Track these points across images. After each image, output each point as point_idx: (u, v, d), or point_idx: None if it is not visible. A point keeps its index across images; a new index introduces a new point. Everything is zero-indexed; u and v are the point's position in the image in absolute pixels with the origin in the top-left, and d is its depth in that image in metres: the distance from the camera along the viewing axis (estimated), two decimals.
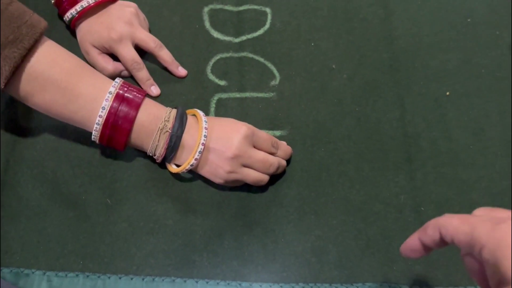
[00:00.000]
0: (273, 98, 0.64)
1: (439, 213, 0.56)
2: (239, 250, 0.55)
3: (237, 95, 0.64)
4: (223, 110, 0.63)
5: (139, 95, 0.54)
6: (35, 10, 0.66)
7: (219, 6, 0.71)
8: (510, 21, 0.71)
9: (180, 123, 0.54)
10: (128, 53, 0.62)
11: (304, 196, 0.58)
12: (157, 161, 0.56)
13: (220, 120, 0.57)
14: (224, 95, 0.64)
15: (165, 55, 0.65)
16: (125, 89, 0.54)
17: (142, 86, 0.64)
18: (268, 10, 0.71)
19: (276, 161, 0.56)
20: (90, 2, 0.62)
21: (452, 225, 0.34)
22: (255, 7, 0.71)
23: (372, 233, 0.56)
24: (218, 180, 0.55)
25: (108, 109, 0.52)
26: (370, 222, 0.57)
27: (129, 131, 0.53)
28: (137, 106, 0.53)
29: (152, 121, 0.54)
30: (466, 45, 0.69)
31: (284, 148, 0.59)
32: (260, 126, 0.61)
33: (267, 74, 0.66)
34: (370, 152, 0.61)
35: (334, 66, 0.67)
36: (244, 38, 0.69)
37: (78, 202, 0.57)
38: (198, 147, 0.53)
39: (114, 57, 0.65)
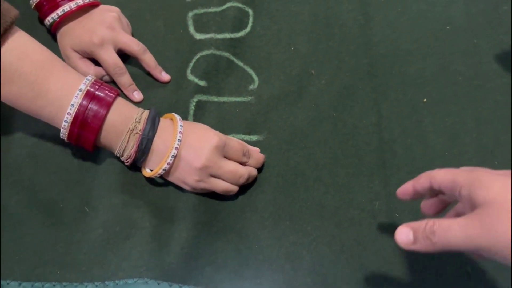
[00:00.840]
0: (251, 101, 0.64)
1: (414, 219, 0.57)
2: (213, 255, 0.55)
3: (215, 99, 0.64)
4: (201, 114, 0.63)
5: (111, 94, 0.53)
6: None
7: (203, 10, 0.71)
8: (488, 29, 0.72)
9: (152, 125, 0.53)
10: (110, 58, 0.62)
11: (279, 202, 0.58)
12: (126, 163, 0.55)
13: (193, 127, 0.56)
14: (203, 97, 0.64)
15: (148, 59, 0.64)
16: (97, 87, 0.53)
17: (124, 91, 0.64)
18: (250, 11, 0.71)
19: (246, 172, 0.56)
20: (72, 7, 0.61)
21: (440, 174, 0.43)
22: (239, 5, 0.71)
23: (346, 239, 0.56)
24: (186, 187, 0.55)
25: (77, 106, 0.51)
26: (344, 228, 0.57)
27: (98, 130, 0.52)
28: (107, 105, 0.52)
29: (122, 121, 0.53)
30: (444, 53, 0.70)
31: (256, 156, 0.58)
32: (237, 131, 0.62)
33: (246, 79, 0.66)
34: (346, 158, 0.61)
35: (313, 72, 0.67)
36: (227, 36, 0.69)
37: (55, 210, 0.57)
38: (171, 151, 0.52)
39: (96, 63, 0.64)
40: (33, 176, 0.59)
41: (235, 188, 0.56)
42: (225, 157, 0.55)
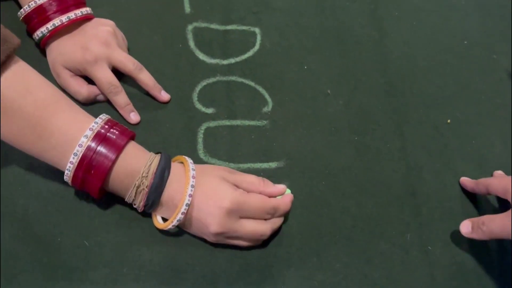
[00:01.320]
0: (266, 126, 0.60)
1: (448, 251, 0.54)
2: None
3: (227, 122, 0.60)
4: (213, 140, 0.58)
5: (122, 137, 0.48)
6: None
7: (204, 25, 0.66)
8: (506, 44, 0.69)
9: (160, 180, 0.48)
10: (104, 76, 0.57)
11: (305, 236, 0.53)
12: (138, 210, 0.51)
13: (205, 178, 0.50)
14: (212, 124, 0.59)
15: (145, 78, 0.59)
16: (107, 127, 0.48)
17: (121, 112, 0.59)
18: (257, 30, 0.67)
19: (268, 230, 0.51)
20: (64, 21, 0.56)
21: (495, 183, 0.54)
22: (243, 27, 0.67)
23: (378, 277, 0.52)
24: None
25: (84, 151, 0.46)
26: (375, 265, 0.53)
27: (105, 175, 0.47)
28: (118, 149, 0.47)
29: (128, 175, 0.48)
30: (463, 70, 0.67)
31: (284, 208, 0.52)
32: (254, 159, 0.57)
33: (259, 99, 0.62)
34: (372, 186, 0.57)
35: (329, 91, 0.63)
36: (232, 61, 0.64)
37: (53, 244, 0.51)
38: (182, 206, 0.48)
39: (89, 80, 0.59)
40: (27, 206, 0.53)
41: (258, 243, 0.52)
42: (243, 216, 0.50)
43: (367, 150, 0.59)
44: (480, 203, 0.58)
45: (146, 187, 0.48)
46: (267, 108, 0.61)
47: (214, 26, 0.67)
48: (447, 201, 0.57)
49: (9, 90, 0.45)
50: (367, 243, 0.54)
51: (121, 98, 0.58)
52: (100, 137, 0.47)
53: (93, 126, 0.47)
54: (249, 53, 0.65)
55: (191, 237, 0.52)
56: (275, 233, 0.53)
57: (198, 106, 0.60)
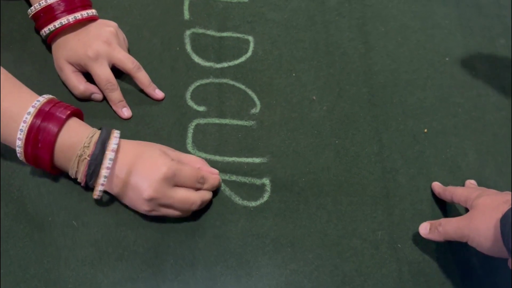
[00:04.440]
0: (253, 126, 0.63)
1: (416, 250, 0.57)
2: (212, 281, 0.53)
3: (217, 120, 0.63)
4: (202, 136, 0.61)
5: (64, 111, 0.52)
6: (11, 22, 0.63)
7: (201, 31, 0.70)
8: (485, 63, 0.73)
9: (101, 149, 0.51)
10: (103, 73, 0.60)
11: (281, 227, 0.56)
12: (81, 185, 0.54)
13: (147, 148, 0.55)
14: (202, 121, 0.63)
15: (142, 77, 0.63)
16: (50, 105, 0.51)
17: (114, 107, 0.62)
18: (250, 38, 0.71)
19: (198, 199, 0.54)
20: (70, 20, 0.60)
21: (457, 193, 0.57)
22: (238, 35, 0.71)
23: (348, 269, 0.55)
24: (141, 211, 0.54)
25: (27, 129, 0.50)
26: (346, 258, 0.56)
27: (51, 149, 0.51)
28: (59, 123, 0.51)
29: (71, 146, 0.51)
30: (443, 84, 0.70)
31: (212, 181, 0.57)
32: (239, 154, 0.61)
33: (248, 102, 0.65)
34: (349, 186, 0.60)
35: (314, 98, 0.67)
36: (225, 65, 0.68)
37: (44, 223, 0.54)
38: (101, 177, 0.51)
39: (89, 78, 0.63)
40: (22, 187, 0.56)
41: (187, 215, 0.55)
42: (177, 184, 0.54)
43: (346, 152, 0.63)
44: (449, 207, 0.61)
45: (88, 156, 0.51)
46: (255, 110, 0.65)
47: (210, 32, 0.71)
48: (418, 204, 0.60)
49: None
50: (340, 237, 0.57)
51: (116, 95, 0.62)
52: (42, 114, 0.50)
53: (35, 103, 0.50)
54: (242, 59, 0.69)
55: (174, 224, 0.55)
56: (205, 208, 0.57)
57: (191, 103, 0.64)
